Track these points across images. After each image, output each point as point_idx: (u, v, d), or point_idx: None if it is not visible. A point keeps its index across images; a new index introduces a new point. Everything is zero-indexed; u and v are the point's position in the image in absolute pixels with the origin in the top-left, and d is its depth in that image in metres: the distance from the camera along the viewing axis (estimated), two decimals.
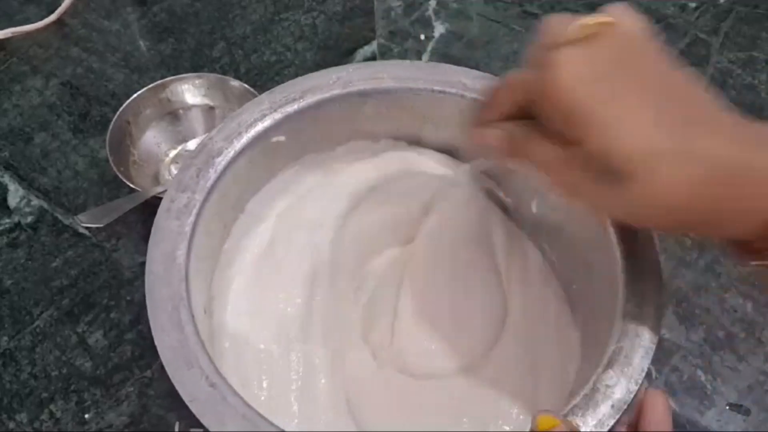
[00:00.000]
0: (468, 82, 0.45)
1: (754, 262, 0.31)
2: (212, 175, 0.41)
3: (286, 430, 0.32)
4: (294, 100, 0.44)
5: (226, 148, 0.42)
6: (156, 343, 0.35)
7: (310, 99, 0.44)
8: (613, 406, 0.33)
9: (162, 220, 0.39)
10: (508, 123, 0.34)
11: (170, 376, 0.34)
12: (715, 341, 0.49)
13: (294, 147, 0.46)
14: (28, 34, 0.67)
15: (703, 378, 0.47)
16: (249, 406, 0.33)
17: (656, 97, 0.29)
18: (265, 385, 0.41)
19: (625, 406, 0.33)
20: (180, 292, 0.37)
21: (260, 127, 0.43)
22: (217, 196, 0.42)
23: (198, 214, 0.40)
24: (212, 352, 0.36)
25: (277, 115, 0.44)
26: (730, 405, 0.46)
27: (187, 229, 0.39)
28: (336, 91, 0.45)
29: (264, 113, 0.44)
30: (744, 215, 0.29)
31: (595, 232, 0.40)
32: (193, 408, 0.33)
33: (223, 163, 0.42)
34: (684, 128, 0.29)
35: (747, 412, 0.46)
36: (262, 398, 0.40)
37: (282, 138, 0.45)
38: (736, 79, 0.63)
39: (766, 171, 0.28)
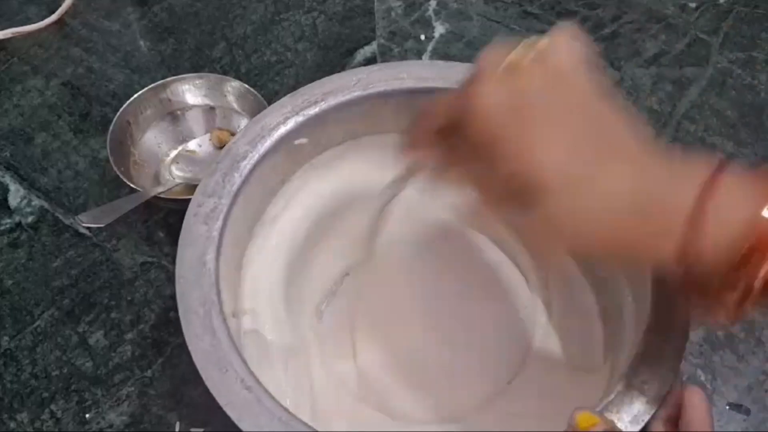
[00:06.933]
0: None
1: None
2: (237, 179, 0.42)
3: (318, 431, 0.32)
4: (315, 102, 0.44)
5: (251, 152, 0.43)
6: (189, 348, 0.35)
7: (332, 101, 0.45)
8: (647, 402, 0.33)
9: (190, 224, 0.40)
10: (439, 141, 0.35)
11: (204, 380, 0.34)
12: (714, 341, 0.49)
13: (315, 148, 0.47)
14: (29, 34, 0.67)
15: (703, 378, 0.47)
16: (285, 408, 0.33)
17: (574, 127, 0.30)
18: (285, 389, 0.41)
19: (660, 401, 0.33)
20: (211, 297, 0.37)
21: (283, 130, 0.44)
22: (242, 200, 0.42)
23: (225, 219, 0.40)
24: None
25: (300, 118, 0.44)
26: (730, 405, 0.46)
27: (215, 233, 0.39)
28: (357, 93, 0.45)
29: (287, 116, 0.44)
30: (654, 245, 0.29)
31: None
32: (230, 412, 0.33)
33: (248, 167, 0.42)
34: (596, 158, 0.29)
35: (747, 412, 0.46)
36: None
37: (304, 140, 0.45)
38: (736, 79, 0.63)
39: (675, 203, 0.28)
